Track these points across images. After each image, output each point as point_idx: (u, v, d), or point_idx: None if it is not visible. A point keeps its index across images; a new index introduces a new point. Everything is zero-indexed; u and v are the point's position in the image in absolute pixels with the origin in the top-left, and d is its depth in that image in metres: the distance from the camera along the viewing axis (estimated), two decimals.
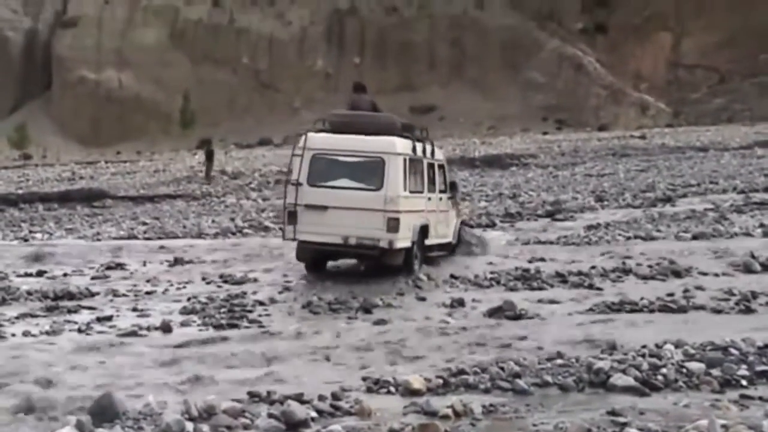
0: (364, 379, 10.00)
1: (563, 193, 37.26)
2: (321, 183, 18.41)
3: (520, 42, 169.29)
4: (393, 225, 18.00)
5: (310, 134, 18.75)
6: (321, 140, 18.69)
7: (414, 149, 19.05)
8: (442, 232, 20.47)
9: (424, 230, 19.16)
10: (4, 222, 36.37)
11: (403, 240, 18.23)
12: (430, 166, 19.99)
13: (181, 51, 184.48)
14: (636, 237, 22.89)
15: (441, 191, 20.49)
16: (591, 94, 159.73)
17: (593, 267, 17.82)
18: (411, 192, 18.68)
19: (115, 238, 28.35)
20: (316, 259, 18.99)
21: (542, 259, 19.57)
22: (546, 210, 31.23)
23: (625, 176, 44.05)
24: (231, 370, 10.77)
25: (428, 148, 19.91)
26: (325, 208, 18.23)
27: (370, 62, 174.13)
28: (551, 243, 22.82)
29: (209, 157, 55.18)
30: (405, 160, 18.57)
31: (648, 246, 20.99)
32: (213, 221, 32.68)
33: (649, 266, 17.66)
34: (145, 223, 33.18)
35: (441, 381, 9.74)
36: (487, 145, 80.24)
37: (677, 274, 16.84)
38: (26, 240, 28.79)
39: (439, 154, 21.06)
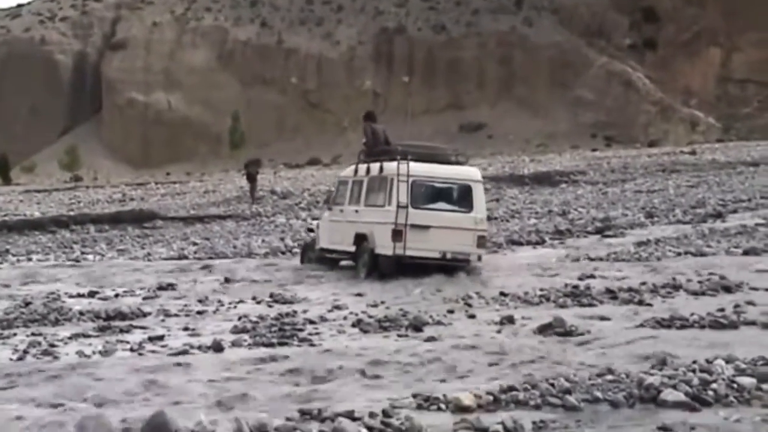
0: (414, 396, 10.01)
1: (613, 209, 37.09)
2: (423, 206, 21.23)
3: (569, 59, 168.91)
4: (482, 241, 21.50)
5: (411, 163, 21.25)
6: (419, 168, 21.35)
7: None
8: None
9: None
10: (56, 244, 36.69)
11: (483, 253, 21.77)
12: None
13: (230, 72, 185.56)
14: (686, 253, 22.78)
15: None
16: (640, 110, 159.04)
17: (643, 283, 17.75)
18: None
19: (165, 259, 28.57)
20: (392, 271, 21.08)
21: (592, 276, 19.52)
22: (596, 227, 31.11)
23: (675, 192, 43.77)
24: (282, 388, 10.81)
25: None
26: (428, 227, 21.07)
27: (418, 81, 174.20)
28: (601, 259, 22.76)
29: (250, 178, 55.14)
30: (483, 185, 22.07)
31: (698, 261, 20.89)
32: (263, 241, 32.82)
33: (700, 282, 17.58)
34: (195, 244, 33.39)
35: (491, 398, 9.73)
36: (537, 162, 80.00)
37: (728, 290, 16.74)
38: (78, 261, 29.05)
39: None
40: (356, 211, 22.68)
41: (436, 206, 21.41)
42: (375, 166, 22.30)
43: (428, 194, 21.46)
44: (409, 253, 20.93)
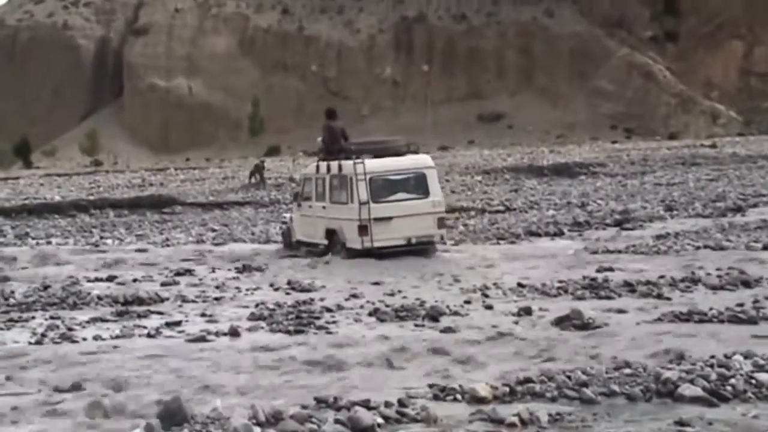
0: (430, 386, 10.01)
1: (632, 202, 37.00)
2: (383, 199, 22.55)
3: (589, 50, 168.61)
4: (441, 223, 22.98)
5: (366, 161, 22.55)
6: (375, 164, 22.65)
7: None
8: None
9: None
10: (76, 228, 36.75)
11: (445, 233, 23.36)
12: None
13: (251, 58, 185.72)
14: (706, 247, 22.69)
15: None
16: (661, 102, 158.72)
17: (662, 276, 17.68)
18: None
19: (184, 244, 28.59)
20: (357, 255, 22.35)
21: (610, 269, 19.46)
22: (615, 219, 31.03)
23: (695, 185, 43.67)
24: (298, 376, 10.82)
25: None
26: (390, 218, 22.42)
27: (438, 70, 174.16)
28: (620, 252, 22.68)
29: (259, 172, 57.63)
30: (436, 170, 23.47)
31: (718, 255, 20.81)
32: (281, 228, 32.84)
33: (719, 276, 17.49)
34: (213, 230, 33.41)
35: (507, 389, 9.73)
36: (556, 153, 79.94)
37: (747, 284, 16.66)
38: (97, 246, 29.09)
39: None
40: (323, 207, 23.93)
41: (395, 197, 22.85)
42: (335, 165, 23.47)
43: (386, 187, 22.84)
44: (376, 244, 22.31)
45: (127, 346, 12.75)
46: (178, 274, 20.93)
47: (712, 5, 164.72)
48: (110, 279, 20.27)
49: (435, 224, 22.75)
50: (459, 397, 9.63)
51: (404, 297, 16.69)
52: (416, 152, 24.20)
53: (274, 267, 22.03)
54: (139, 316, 15.29)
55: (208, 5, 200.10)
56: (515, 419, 8.64)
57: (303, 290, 18.00)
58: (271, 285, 18.89)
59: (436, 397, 9.68)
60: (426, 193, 22.84)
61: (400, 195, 22.92)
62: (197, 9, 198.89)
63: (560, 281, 17.67)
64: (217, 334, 13.49)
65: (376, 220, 22.35)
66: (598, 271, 19.16)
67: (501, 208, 37.02)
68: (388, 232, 22.43)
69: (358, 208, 22.38)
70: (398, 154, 23.67)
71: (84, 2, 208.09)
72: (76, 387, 10.35)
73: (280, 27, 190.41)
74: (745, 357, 10.52)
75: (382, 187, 22.73)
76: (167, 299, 17.13)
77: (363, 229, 22.33)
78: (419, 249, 22.69)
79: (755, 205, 33.56)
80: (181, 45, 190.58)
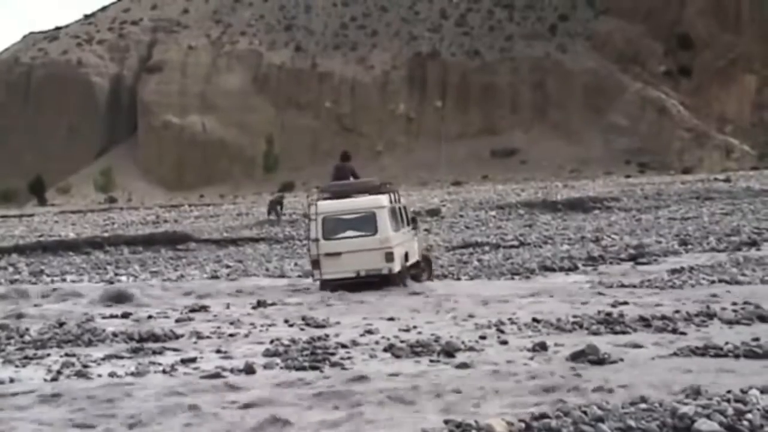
0: (446, 422, 9.98)
1: (646, 236, 36.95)
2: (333, 237, 24.84)
3: (603, 85, 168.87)
4: (389, 257, 24.71)
5: (319, 202, 25.29)
6: (327, 206, 25.26)
7: (391, 200, 25.83)
8: (413, 254, 26.83)
9: (405, 255, 25.80)
10: (91, 265, 36.84)
11: (397, 266, 24.81)
12: (400, 209, 26.71)
13: (264, 95, 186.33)
14: (720, 281, 22.64)
15: (406, 225, 26.90)
16: (674, 137, 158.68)
17: (677, 311, 17.63)
18: (394, 231, 25.10)
19: (198, 280, 28.63)
20: (334, 287, 24.28)
21: (625, 303, 19.43)
22: (629, 254, 30.99)
23: (710, 220, 43.57)
24: (313, 413, 10.81)
25: (396, 197, 26.85)
26: (339, 254, 24.67)
27: (452, 106, 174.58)
28: (634, 287, 22.64)
29: (275, 208, 58.26)
30: (387, 210, 25.17)
31: (733, 290, 20.76)
32: (295, 264, 32.87)
33: (734, 310, 17.45)
34: (228, 266, 33.46)
35: (523, 425, 9.69)
36: (570, 188, 79.89)
37: (763, 319, 16.61)
38: (111, 283, 29.14)
39: (403, 200, 28.01)
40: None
41: (345, 235, 24.97)
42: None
43: (338, 226, 25.03)
44: (326, 277, 24.72)
45: (142, 383, 12.75)
46: (192, 310, 20.96)
47: (726, 40, 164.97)
48: (125, 315, 20.31)
49: (383, 258, 24.66)
50: None
51: (419, 332, 16.67)
52: (393, 191, 26.61)
53: (289, 302, 22.07)
54: (154, 353, 15.29)
55: (221, 43, 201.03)
56: None
57: (318, 326, 18.00)
58: (286, 321, 18.90)
59: None
60: (375, 231, 24.78)
61: (350, 233, 24.98)
62: (210, 46, 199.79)
63: (575, 316, 17.62)
64: (232, 370, 13.48)
65: (326, 255, 24.63)
66: (613, 305, 19.13)
67: (515, 243, 37.02)
68: (338, 266, 24.63)
69: (309, 244, 25.31)
70: (364, 193, 25.70)
71: (98, 40, 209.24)
72: (90, 424, 10.35)
73: (293, 64, 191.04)
74: (762, 391, 10.48)
75: (334, 226, 24.98)
76: (182, 336, 17.14)
77: (315, 263, 24.86)
78: (371, 281, 24.70)
79: None
80: (194, 82, 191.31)
